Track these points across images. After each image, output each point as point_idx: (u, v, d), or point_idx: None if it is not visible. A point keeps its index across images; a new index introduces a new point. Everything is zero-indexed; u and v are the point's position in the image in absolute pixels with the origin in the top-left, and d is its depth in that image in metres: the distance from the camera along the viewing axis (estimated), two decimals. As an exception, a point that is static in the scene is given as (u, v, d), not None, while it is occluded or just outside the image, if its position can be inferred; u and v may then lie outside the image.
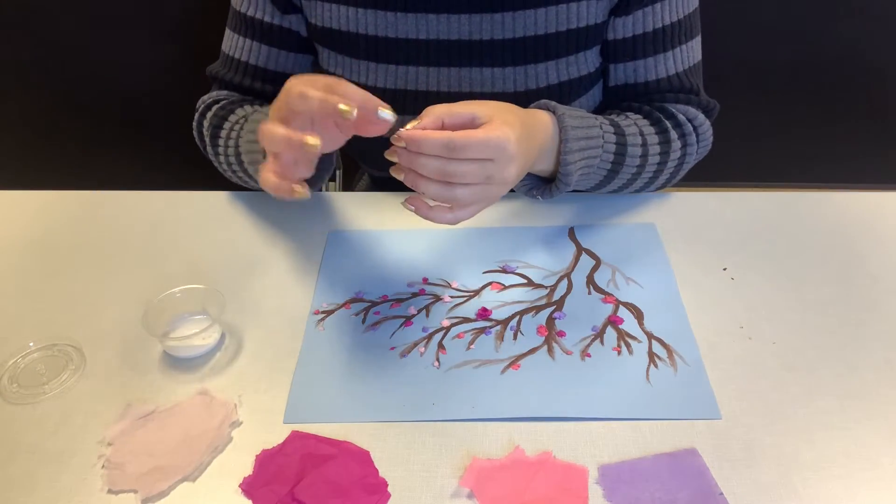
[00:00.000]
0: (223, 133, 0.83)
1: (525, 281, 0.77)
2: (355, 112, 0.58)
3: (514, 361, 0.68)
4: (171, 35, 1.35)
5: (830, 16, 1.50)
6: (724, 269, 0.78)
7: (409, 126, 0.61)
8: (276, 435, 0.62)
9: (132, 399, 0.66)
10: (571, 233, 0.83)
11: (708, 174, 0.90)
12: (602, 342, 0.70)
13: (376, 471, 0.59)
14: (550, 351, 0.69)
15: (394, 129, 0.62)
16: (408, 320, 0.73)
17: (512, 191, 0.72)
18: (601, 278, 0.77)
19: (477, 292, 0.76)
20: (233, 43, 0.88)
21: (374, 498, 0.57)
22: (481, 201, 0.65)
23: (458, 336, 0.71)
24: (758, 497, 0.57)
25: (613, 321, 0.72)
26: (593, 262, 0.79)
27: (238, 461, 0.60)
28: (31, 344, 0.71)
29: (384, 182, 0.98)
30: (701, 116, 0.85)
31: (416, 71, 0.84)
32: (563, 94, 0.85)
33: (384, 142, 0.90)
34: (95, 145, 1.48)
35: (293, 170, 0.62)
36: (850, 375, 0.66)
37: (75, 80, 1.52)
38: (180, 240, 0.84)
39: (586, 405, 0.64)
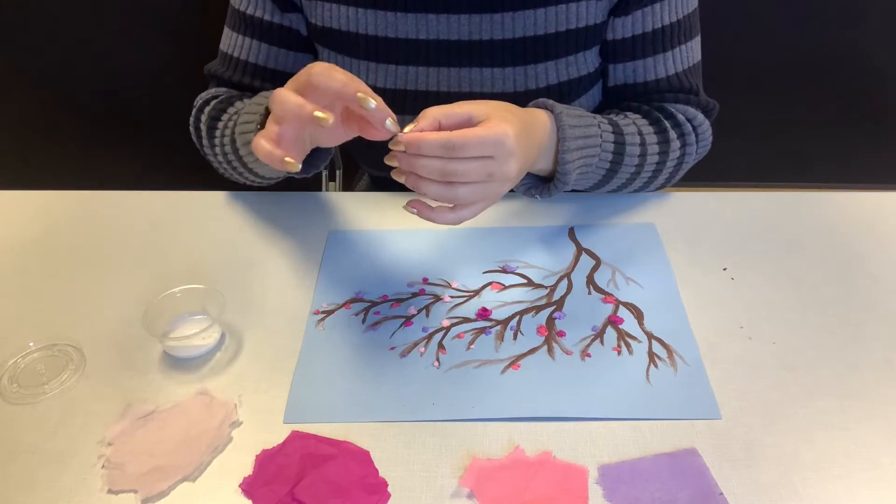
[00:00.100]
0: (220, 124, 0.82)
1: (525, 281, 0.77)
2: (373, 104, 0.59)
3: (514, 361, 0.68)
4: (171, 35, 1.35)
5: (830, 16, 1.50)
6: (724, 269, 0.78)
7: (406, 129, 0.61)
8: (276, 435, 0.62)
9: (132, 399, 0.66)
10: (571, 233, 0.83)
11: (708, 174, 0.90)
12: (602, 342, 0.70)
13: (376, 471, 0.59)
14: (550, 351, 0.69)
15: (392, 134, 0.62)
16: (408, 320, 0.73)
17: (511, 191, 0.72)
18: (601, 278, 0.77)
19: (477, 292, 0.76)
20: (232, 41, 0.88)
21: (374, 498, 0.57)
22: (483, 200, 0.65)
23: (458, 336, 0.71)
24: (758, 497, 0.57)
25: (613, 321, 0.72)
26: (593, 262, 0.79)
27: (238, 461, 0.60)
28: (31, 344, 0.71)
29: (384, 182, 0.98)
30: (700, 116, 0.85)
31: (415, 71, 0.84)
32: (562, 94, 0.85)
33: (384, 142, 0.90)
34: (95, 145, 1.48)
35: (289, 145, 0.61)
36: (850, 375, 0.66)
37: (75, 80, 1.52)
38: (180, 240, 0.84)
39: (586, 405, 0.64)
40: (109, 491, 0.58)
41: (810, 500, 0.57)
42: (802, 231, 0.83)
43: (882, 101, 1.63)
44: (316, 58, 0.90)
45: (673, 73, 0.84)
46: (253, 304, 0.75)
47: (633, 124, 0.80)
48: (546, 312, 0.73)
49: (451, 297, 0.75)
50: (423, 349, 0.70)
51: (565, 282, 0.77)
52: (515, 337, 0.71)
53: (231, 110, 0.83)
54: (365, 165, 1.07)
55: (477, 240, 0.82)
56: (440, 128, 0.62)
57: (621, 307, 0.73)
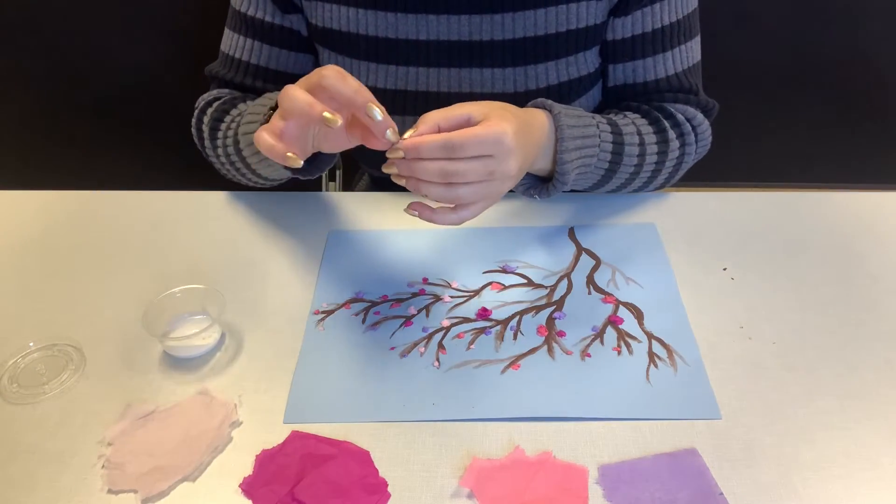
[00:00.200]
0: (223, 126, 0.82)
1: (525, 281, 0.77)
2: (380, 115, 0.59)
3: (514, 361, 0.68)
4: (170, 35, 1.35)
5: (830, 16, 1.50)
6: (724, 269, 0.78)
7: (406, 135, 0.62)
8: (276, 435, 0.62)
9: (132, 399, 0.66)
10: (571, 233, 0.83)
11: (708, 174, 0.90)
12: (602, 342, 0.70)
13: (376, 471, 0.59)
14: (550, 351, 0.69)
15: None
16: (408, 320, 0.73)
17: (511, 191, 0.72)
18: (601, 278, 0.77)
19: (477, 292, 0.76)
20: (232, 42, 0.88)
21: (374, 498, 0.57)
22: (485, 199, 0.65)
23: (458, 336, 0.71)
24: (758, 497, 0.57)
25: (613, 321, 0.72)
26: (593, 262, 0.79)
27: (238, 461, 0.60)
28: (31, 344, 0.71)
29: (384, 182, 0.97)
30: (700, 116, 0.85)
31: (416, 71, 0.84)
32: (562, 94, 0.85)
33: None
34: (95, 145, 1.48)
35: (293, 142, 0.61)
36: (850, 375, 0.66)
37: (75, 80, 1.52)
38: (180, 240, 0.84)
39: (586, 405, 0.64)
40: (109, 491, 0.58)
41: (810, 500, 0.57)
42: (802, 231, 0.83)
43: (882, 101, 1.63)
44: (317, 58, 0.90)
45: (672, 73, 0.84)
46: (253, 304, 0.75)
47: (632, 124, 0.80)
48: (546, 312, 0.73)
49: (451, 297, 0.75)
50: (423, 349, 0.70)
51: (565, 282, 0.77)
52: (515, 337, 0.71)
53: (234, 112, 0.83)
54: (365, 166, 1.07)
55: (477, 240, 0.82)
56: (439, 131, 0.62)
57: (621, 307, 0.73)
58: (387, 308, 0.74)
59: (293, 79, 0.87)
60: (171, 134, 1.19)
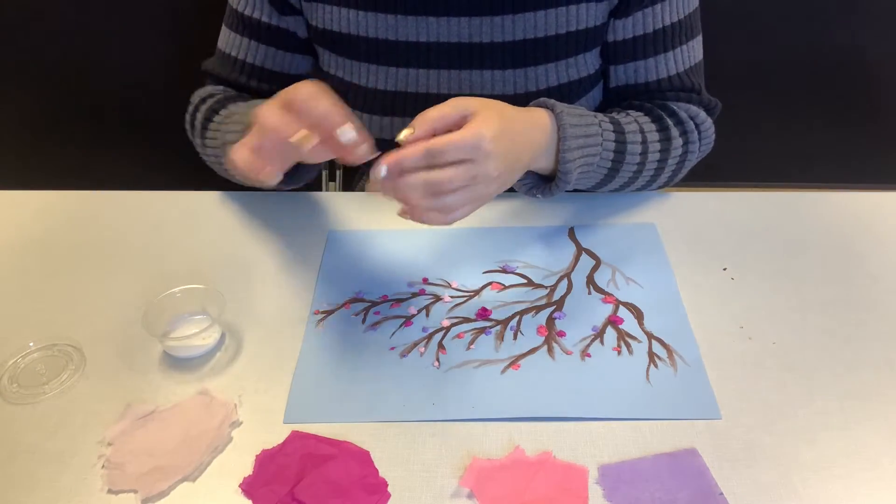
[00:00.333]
0: (212, 125, 0.83)
1: (525, 281, 0.77)
2: (352, 136, 0.59)
3: (514, 361, 0.68)
4: (170, 35, 1.35)
5: (830, 16, 1.50)
6: (724, 269, 0.78)
7: (402, 134, 0.62)
8: (276, 435, 0.62)
9: (132, 399, 0.66)
10: (571, 233, 0.83)
11: (708, 174, 0.91)
12: (602, 342, 0.70)
13: (376, 471, 0.59)
14: (550, 351, 0.69)
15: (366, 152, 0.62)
16: (408, 320, 0.73)
17: (512, 190, 0.72)
18: (601, 278, 0.77)
19: (477, 292, 0.76)
20: (229, 40, 0.88)
21: (374, 498, 0.57)
22: (471, 202, 0.65)
23: (458, 336, 0.71)
24: (758, 497, 0.57)
25: (613, 321, 0.72)
26: (593, 262, 0.79)
27: (238, 461, 0.60)
28: (31, 344, 0.71)
29: (384, 183, 0.98)
30: (703, 114, 0.85)
31: (416, 73, 0.85)
32: (562, 96, 0.85)
33: (384, 144, 0.90)
34: (95, 145, 1.48)
35: (269, 157, 0.61)
36: (850, 375, 0.66)
37: (75, 80, 1.51)
38: (180, 240, 0.84)
39: (586, 405, 0.64)
40: (109, 491, 0.58)
41: (810, 500, 0.57)
42: (802, 231, 0.83)
43: (882, 101, 1.63)
44: (317, 59, 0.90)
45: (675, 73, 0.84)
46: (253, 304, 0.75)
47: (634, 122, 0.80)
48: (546, 312, 0.73)
49: (451, 297, 0.75)
50: (423, 349, 0.70)
51: (565, 282, 0.77)
52: (515, 337, 0.71)
53: (224, 112, 0.83)
54: (365, 166, 1.07)
55: (477, 240, 0.82)
56: (434, 133, 0.62)
57: (621, 307, 0.73)
58: (387, 308, 0.74)
59: (288, 79, 0.87)
60: (172, 134, 1.19)
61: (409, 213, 0.64)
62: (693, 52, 0.85)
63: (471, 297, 0.75)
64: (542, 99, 0.74)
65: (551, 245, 0.82)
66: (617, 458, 0.60)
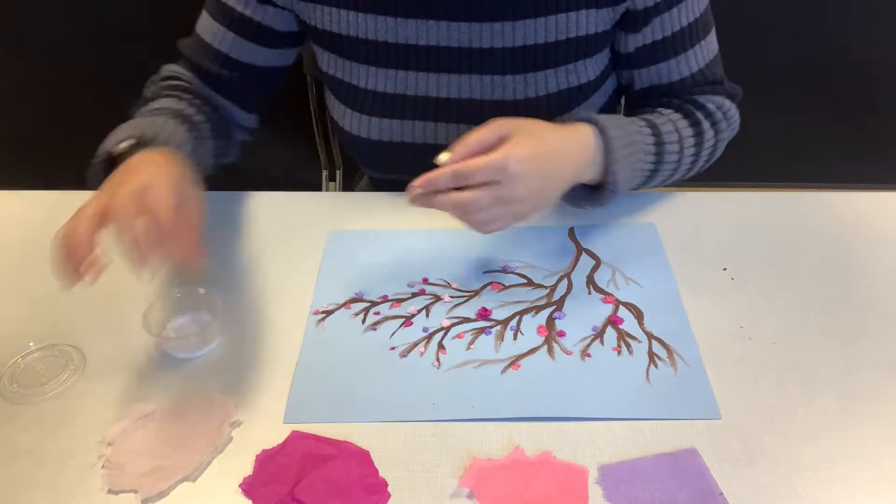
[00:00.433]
0: (137, 115, 0.82)
1: (525, 281, 0.77)
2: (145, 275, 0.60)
3: (514, 361, 0.68)
4: (171, 35, 1.35)
5: (831, 16, 1.50)
6: (724, 269, 0.78)
7: (442, 157, 0.66)
8: (276, 435, 0.62)
9: (132, 399, 0.66)
10: (571, 233, 0.83)
11: (708, 174, 0.91)
12: (602, 342, 0.70)
13: (376, 471, 0.59)
14: (550, 351, 0.69)
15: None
16: (408, 320, 0.73)
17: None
18: (601, 278, 0.77)
19: (477, 292, 0.76)
20: (205, 25, 0.88)
21: (374, 498, 0.57)
22: (504, 219, 0.69)
23: (458, 336, 0.71)
24: (758, 497, 0.57)
25: (613, 321, 0.72)
26: (593, 262, 0.79)
27: (238, 461, 0.60)
28: (31, 344, 0.71)
29: (384, 184, 0.98)
30: (728, 103, 0.87)
31: (415, 76, 0.84)
32: (563, 101, 0.85)
33: (382, 146, 0.90)
34: (95, 145, 1.48)
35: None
36: (850, 375, 0.66)
37: (75, 80, 1.52)
38: (180, 240, 0.84)
39: (586, 405, 0.64)
40: (109, 491, 0.58)
41: (810, 500, 0.57)
42: (802, 231, 0.83)
43: (882, 101, 1.63)
44: (293, 56, 0.90)
45: (697, 69, 0.85)
46: (253, 304, 0.75)
47: (669, 122, 0.81)
48: (546, 312, 0.73)
49: (451, 297, 0.75)
50: (423, 349, 0.70)
51: (565, 282, 0.77)
52: (515, 337, 0.71)
53: (144, 109, 0.82)
54: (364, 168, 1.07)
55: (477, 240, 0.82)
56: (472, 154, 0.66)
57: (621, 307, 0.73)
58: (387, 308, 0.74)
59: (256, 72, 0.88)
60: (171, 134, 1.19)
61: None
62: (711, 45, 0.86)
63: (471, 297, 0.75)
64: (584, 113, 0.75)
65: (551, 245, 0.82)
66: (617, 458, 0.60)
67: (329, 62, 0.88)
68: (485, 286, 0.76)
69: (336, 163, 1.34)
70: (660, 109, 0.84)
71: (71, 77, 1.53)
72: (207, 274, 0.79)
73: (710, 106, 0.85)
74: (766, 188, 0.93)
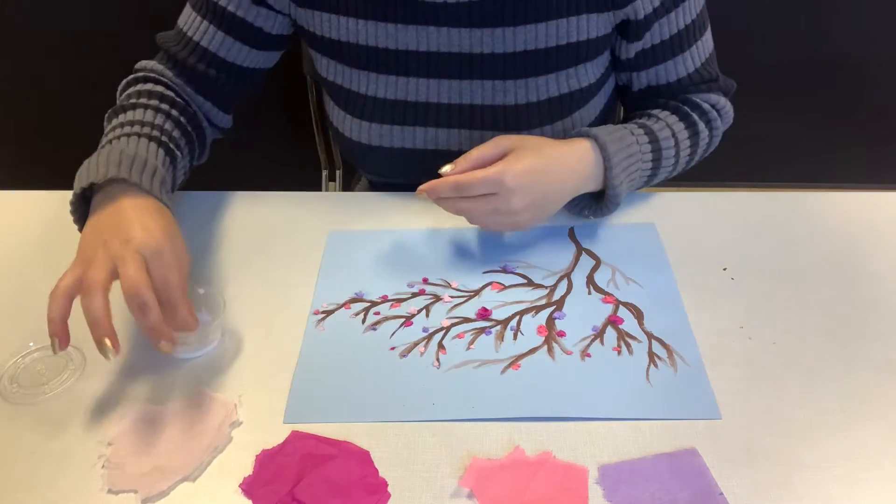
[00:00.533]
0: (113, 122, 0.79)
1: (525, 281, 0.77)
2: (112, 356, 0.61)
3: (514, 361, 0.68)
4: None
5: (831, 16, 1.50)
6: (724, 269, 0.78)
7: (445, 168, 0.72)
8: (276, 435, 0.62)
9: (132, 399, 0.66)
10: (571, 233, 0.83)
11: (708, 174, 0.91)
12: (602, 342, 0.70)
13: (376, 471, 0.59)
14: (550, 351, 0.69)
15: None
16: (408, 320, 0.73)
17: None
18: (601, 278, 0.77)
19: (477, 292, 0.76)
20: (191, 21, 0.85)
21: (374, 498, 0.57)
22: (503, 227, 0.77)
23: (458, 336, 0.71)
24: (758, 497, 0.57)
25: (613, 321, 0.72)
26: (593, 262, 0.79)
27: (238, 461, 0.60)
28: (31, 344, 0.71)
29: (383, 188, 0.97)
30: (723, 100, 0.88)
31: (415, 82, 0.84)
32: (563, 106, 0.85)
33: (381, 149, 0.90)
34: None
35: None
36: (850, 375, 0.66)
37: (75, 81, 1.52)
38: (180, 240, 0.84)
39: (586, 405, 0.64)
40: (109, 491, 0.58)
41: (810, 500, 0.57)
42: (802, 231, 0.83)
43: (882, 101, 1.63)
44: (281, 56, 0.90)
45: (693, 69, 0.86)
46: (253, 304, 0.75)
47: (666, 127, 0.82)
48: (546, 312, 0.73)
49: (451, 297, 0.75)
50: (423, 349, 0.70)
51: (565, 282, 0.77)
52: (515, 337, 0.71)
53: (122, 119, 0.78)
54: (364, 172, 1.07)
55: (477, 240, 0.82)
56: (475, 167, 0.72)
57: (621, 307, 0.73)
58: (387, 308, 0.74)
59: (241, 71, 0.87)
60: (171, 134, 1.19)
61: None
62: (707, 43, 0.87)
63: (471, 297, 0.75)
64: (584, 129, 0.78)
65: (551, 245, 0.82)
66: (617, 458, 0.60)
67: (328, 68, 0.88)
68: (485, 286, 0.76)
69: (336, 163, 1.34)
70: (657, 112, 0.85)
71: (71, 77, 1.53)
72: (207, 274, 0.79)
73: (706, 106, 0.86)
74: (766, 188, 0.93)
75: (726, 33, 1.40)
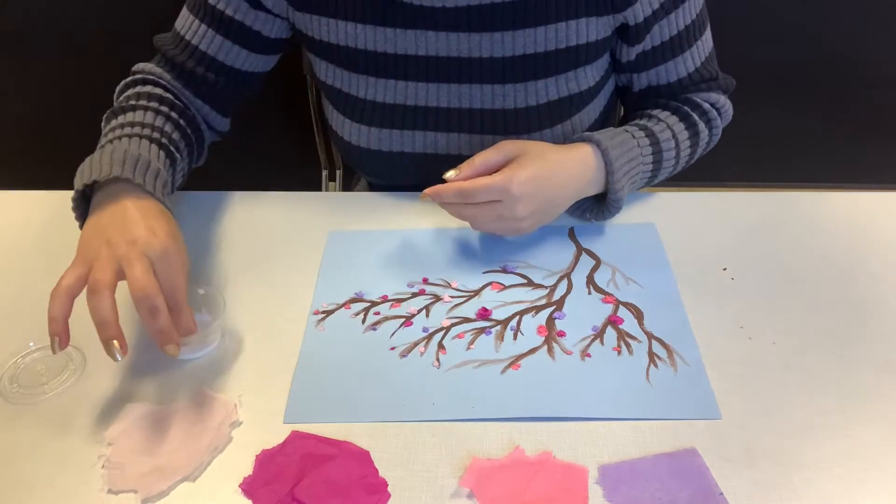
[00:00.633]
0: (112, 123, 0.78)
1: (525, 281, 0.77)
2: (119, 357, 0.61)
3: (514, 361, 0.68)
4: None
5: (831, 17, 1.50)
6: (724, 269, 0.78)
7: (449, 174, 0.73)
8: (276, 435, 0.62)
9: (132, 399, 0.66)
10: (571, 233, 0.83)
11: (708, 174, 0.91)
12: (602, 342, 0.70)
13: (376, 471, 0.59)
14: (550, 351, 0.69)
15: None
16: (408, 320, 0.73)
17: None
18: (601, 278, 0.77)
19: (477, 292, 0.76)
20: (187, 23, 0.84)
21: (374, 498, 0.57)
22: (506, 232, 0.78)
23: (458, 336, 0.71)
24: (758, 497, 0.57)
25: (613, 321, 0.72)
26: (593, 262, 0.79)
27: (238, 461, 0.60)
28: (31, 344, 0.71)
29: (383, 188, 0.97)
30: (722, 98, 0.88)
31: (414, 86, 0.84)
32: (563, 109, 0.85)
33: (382, 156, 0.90)
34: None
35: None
36: (850, 375, 0.66)
37: (75, 81, 1.52)
38: (180, 240, 0.84)
39: (586, 405, 0.64)
40: (109, 491, 0.58)
41: (810, 500, 0.57)
42: (802, 231, 0.83)
43: (882, 101, 1.63)
44: (279, 59, 0.89)
45: (693, 69, 0.86)
46: (253, 304, 0.75)
47: (667, 128, 0.82)
48: (546, 312, 0.73)
49: (451, 297, 0.75)
50: (423, 349, 0.70)
51: (565, 282, 0.77)
52: (515, 337, 0.71)
53: (123, 119, 0.78)
54: (364, 175, 1.07)
55: (477, 240, 0.82)
56: (479, 173, 0.73)
57: (621, 307, 0.73)
58: (387, 308, 0.74)
59: (240, 75, 0.87)
60: (171, 134, 1.19)
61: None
62: (707, 43, 0.87)
63: (471, 297, 0.75)
64: (586, 134, 0.78)
65: (551, 245, 0.82)
66: (617, 458, 0.60)
67: (327, 72, 0.87)
68: (485, 286, 0.76)
69: (336, 163, 1.34)
70: (657, 113, 0.85)
71: (71, 77, 1.53)
72: (207, 274, 0.79)
73: (706, 105, 0.86)
74: (766, 188, 0.93)
75: (726, 33, 1.40)
